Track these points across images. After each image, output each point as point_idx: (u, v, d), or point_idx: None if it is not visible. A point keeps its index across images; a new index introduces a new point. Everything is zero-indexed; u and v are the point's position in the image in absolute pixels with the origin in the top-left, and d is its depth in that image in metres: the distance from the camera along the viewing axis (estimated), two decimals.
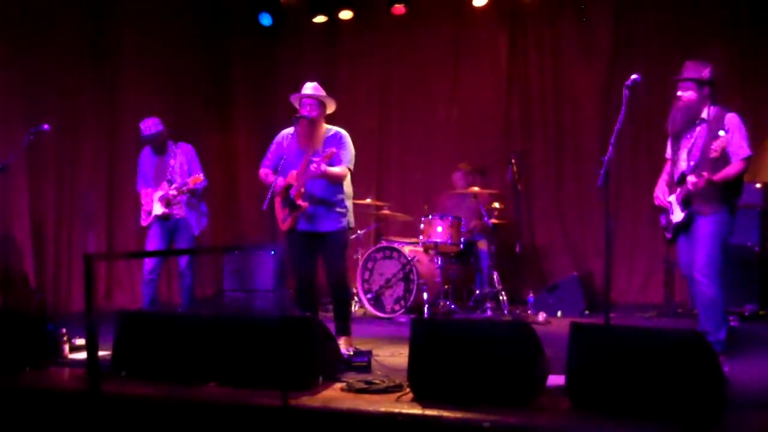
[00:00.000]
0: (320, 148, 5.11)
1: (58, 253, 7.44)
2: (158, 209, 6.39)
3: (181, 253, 6.82)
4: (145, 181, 6.57)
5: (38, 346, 4.67)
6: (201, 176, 6.29)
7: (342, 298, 5.32)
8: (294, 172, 5.11)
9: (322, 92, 5.22)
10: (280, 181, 5.16)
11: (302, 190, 5.07)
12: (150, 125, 6.42)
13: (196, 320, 4.54)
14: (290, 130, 5.29)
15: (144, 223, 6.51)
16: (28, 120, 6.74)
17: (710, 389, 3.12)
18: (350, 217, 5.30)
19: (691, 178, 4.64)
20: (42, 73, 7.29)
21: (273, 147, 5.34)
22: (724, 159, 4.69)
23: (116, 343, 4.38)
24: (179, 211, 6.46)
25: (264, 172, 5.33)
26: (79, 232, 7.56)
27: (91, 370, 2.72)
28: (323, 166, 4.89)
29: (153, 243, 6.46)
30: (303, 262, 5.27)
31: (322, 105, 5.18)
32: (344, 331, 5.25)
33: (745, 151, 4.64)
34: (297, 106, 5.22)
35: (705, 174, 4.55)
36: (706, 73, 4.77)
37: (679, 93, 4.82)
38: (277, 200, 5.26)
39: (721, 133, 4.51)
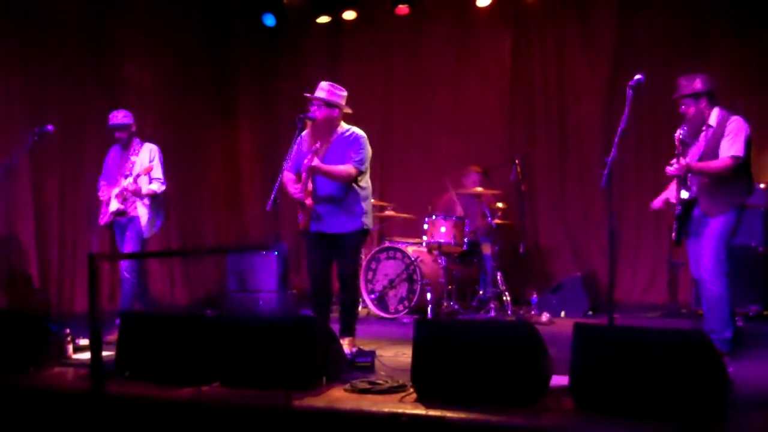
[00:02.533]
0: (326, 147, 5.12)
1: (62, 254, 7.45)
2: (114, 205, 6.17)
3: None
4: (107, 178, 6.37)
5: (42, 346, 4.68)
6: (152, 165, 6.10)
7: (349, 300, 5.30)
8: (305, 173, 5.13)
9: (333, 94, 5.17)
10: (287, 177, 5.18)
11: (308, 188, 5.07)
12: (117, 115, 6.25)
13: (200, 321, 4.54)
14: (306, 131, 5.30)
15: (101, 222, 6.29)
16: (31, 120, 6.74)
17: (714, 389, 3.11)
18: (366, 219, 5.23)
19: (670, 167, 4.71)
20: (45, 74, 7.30)
21: (294, 150, 5.28)
22: (715, 156, 4.73)
23: (120, 343, 4.39)
24: (133, 209, 6.19)
25: (284, 174, 5.27)
26: (83, 232, 7.57)
27: (95, 370, 2.73)
28: (315, 161, 4.90)
29: (118, 245, 6.30)
30: (315, 263, 5.27)
31: (329, 106, 5.15)
32: (349, 331, 5.24)
33: (736, 150, 4.66)
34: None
35: (683, 160, 4.61)
36: (697, 84, 4.82)
37: (682, 109, 4.89)
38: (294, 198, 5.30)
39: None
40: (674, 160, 4.78)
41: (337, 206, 5.13)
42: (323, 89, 5.18)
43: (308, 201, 5.06)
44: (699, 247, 4.87)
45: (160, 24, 8.36)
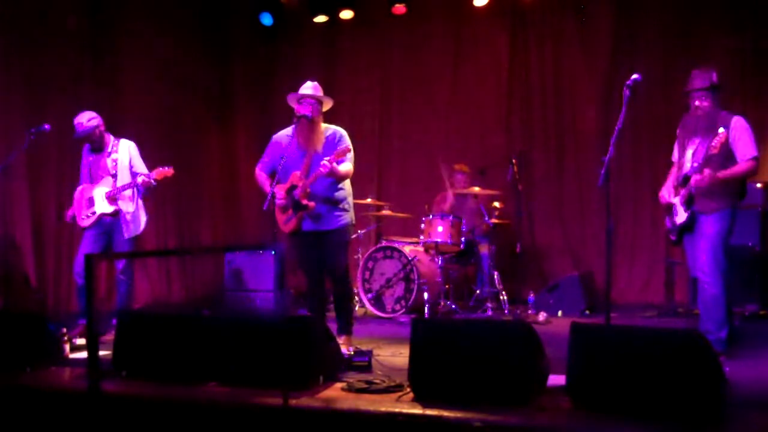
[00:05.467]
0: (321, 147, 5.13)
1: (58, 253, 7.43)
2: (103, 207, 6.00)
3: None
4: (88, 181, 6.18)
5: (39, 345, 4.67)
6: (170, 170, 5.95)
7: (343, 296, 5.33)
8: (297, 173, 5.12)
9: (320, 91, 5.23)
10: (278, 188, 5.16)
11: (308, 190, 5.08)
12: (82, 121, 6.01)
13: (197, 320, 4.54)
14: (287, 131, 5.29)
15: (84, 224, 6.09)
16: (28, 120, 6.73)
17: (710, 389, 3.12)
18: (352, 214, 5.32)
19: (695, 177, 4.66)
20: (42, 73, 7.28)
21: (270, 148, 5.33)
22: (730, 158, 4.71)
23: (116, 342, 4.39)
24: (124, 208, 6.02)
25: (260, 174, 5.33)
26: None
27: (92, 369, 2.72)
28: (334, 165, 4.92)
29: (87, 246, 6.04)
30: (312, 262, 5.28)
31: (320, 104, 5.20)
32: (345, 330, 5.27)
33: (751, 151, 4.68)
34: (294, 106, 5.22)
35: (707, 171, 4.58)
36: (714, 78, 4.82)
37: (696, 103, 4.85)
38: (276, 203, 5.24)
39: (721, 129, 4.54)
40: (695, 169, 4.73)
41: (329, 204, 5.18)
42: (312, 88, 5.21)
43: (310, 203, 5.08)
44: (695, 245, 4.87)
45: (157, 23, 8.34)
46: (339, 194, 5.22)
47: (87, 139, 6.10)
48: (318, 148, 5.12)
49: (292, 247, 5.37)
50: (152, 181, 5.94)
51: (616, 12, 8.23)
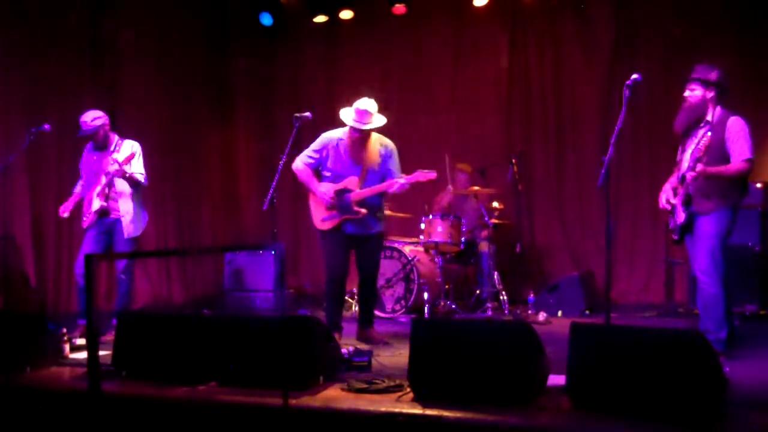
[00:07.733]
0: (377, 160, 5.52)
1: (58, 253, 7.44)
2: (96, 204, 5.96)
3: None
4: (87, 181, 6.17)
5: (39, 346, 4.67)
6: (133, 153, 5.86)
7: (373, 295, 5.95)
8: (355, 179, 5.45)
9: (376, 108, 5.57)
10: (324, 185, 5.49)
11: (364, 198, 5.44)
12: (88, 119, 5.99)
13: (197, 320, 4.54)
14: (339, 134, 5.57)
15: (84, 225, 6.07)
16: (28, 120, 6.73)
17: (710, 389, 3.12)
18: (384, 222, 5.81)
19: (689, 174, 4.68)
20: (42, 73, 7.28)
21: (320, 147, 5.57)
22: (725, 158, 4.70)
23: (116, 343, 4.39)
24: (116, 211, 6.00)
25: (307, 171, 5.56)
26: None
27: (92, 370, 2.72)
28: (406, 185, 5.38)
29: (88, 246, 6.01)
30: (342, 262, 5.59)
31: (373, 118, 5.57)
32: (371, 322, 5.71)
33: (745, 153, 4.65)
34: (352, 117, 5.47)
35: (699, 166, 4.58)
36: (713, 75, 4.81)
37: (686, 93, 4.86)
38: (314, 198, 5.54)
39: (709, 133, 4.56)
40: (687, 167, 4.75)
41: (374, 211, 5.59)
42: (371, 106, 5.55)
43: (362, 210, 5.42)
44: (694, 245, 4.87)
45: (157, 23, 8.35)
46: (382, 202, 5.68)
47: (90, 137, 6.10)
48: (374, 162, 5.51)
49: (327, 244, 5.59)
50: (123, 168, 5.87)
51: (616, 12, 8.23)
